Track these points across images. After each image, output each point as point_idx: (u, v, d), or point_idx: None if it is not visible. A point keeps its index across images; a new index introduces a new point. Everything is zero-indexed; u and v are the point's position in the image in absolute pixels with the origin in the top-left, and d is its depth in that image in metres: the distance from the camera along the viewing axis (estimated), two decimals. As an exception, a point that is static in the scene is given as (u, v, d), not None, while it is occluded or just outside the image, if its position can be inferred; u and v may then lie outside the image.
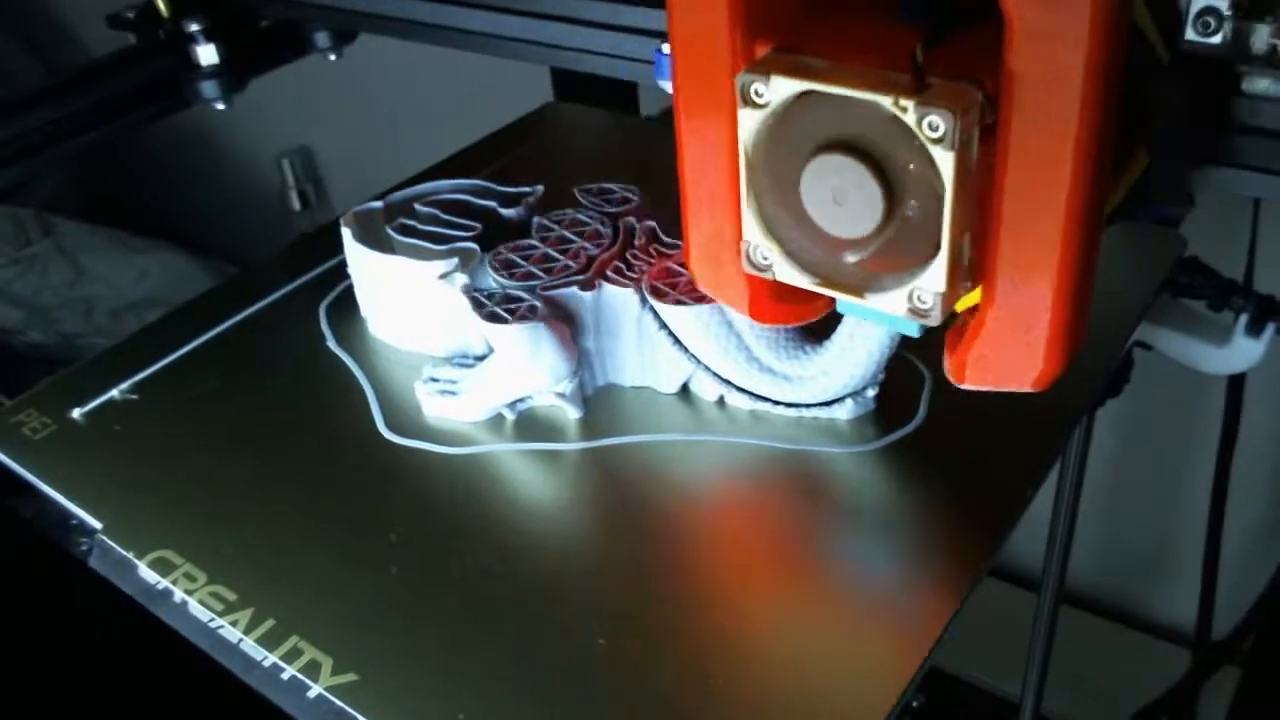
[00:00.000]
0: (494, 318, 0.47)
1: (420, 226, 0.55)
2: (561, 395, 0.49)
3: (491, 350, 0.50)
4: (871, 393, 0.48)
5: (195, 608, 0.42)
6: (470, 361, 0.52)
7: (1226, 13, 0.43)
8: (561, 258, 0.51)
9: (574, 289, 0.49)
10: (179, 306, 0.60)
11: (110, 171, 1.63)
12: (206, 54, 0.74)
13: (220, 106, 0.75)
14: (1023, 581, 0.97)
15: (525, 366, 0.48)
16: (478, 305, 0.48)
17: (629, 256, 0.51)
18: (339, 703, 0.38)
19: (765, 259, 0.36)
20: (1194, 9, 0.43)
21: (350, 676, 0.39)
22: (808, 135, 0.32)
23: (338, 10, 0.70)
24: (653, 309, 0.49)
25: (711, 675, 0.39)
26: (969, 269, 0.33)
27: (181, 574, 0.44)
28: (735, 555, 0.44)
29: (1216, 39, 0.43)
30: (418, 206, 0.57)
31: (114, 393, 0.53)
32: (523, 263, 0.51)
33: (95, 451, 0.50)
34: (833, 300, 0.38)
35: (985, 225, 0.32)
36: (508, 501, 0.47)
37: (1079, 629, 1.00)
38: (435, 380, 0.51)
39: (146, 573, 0.44)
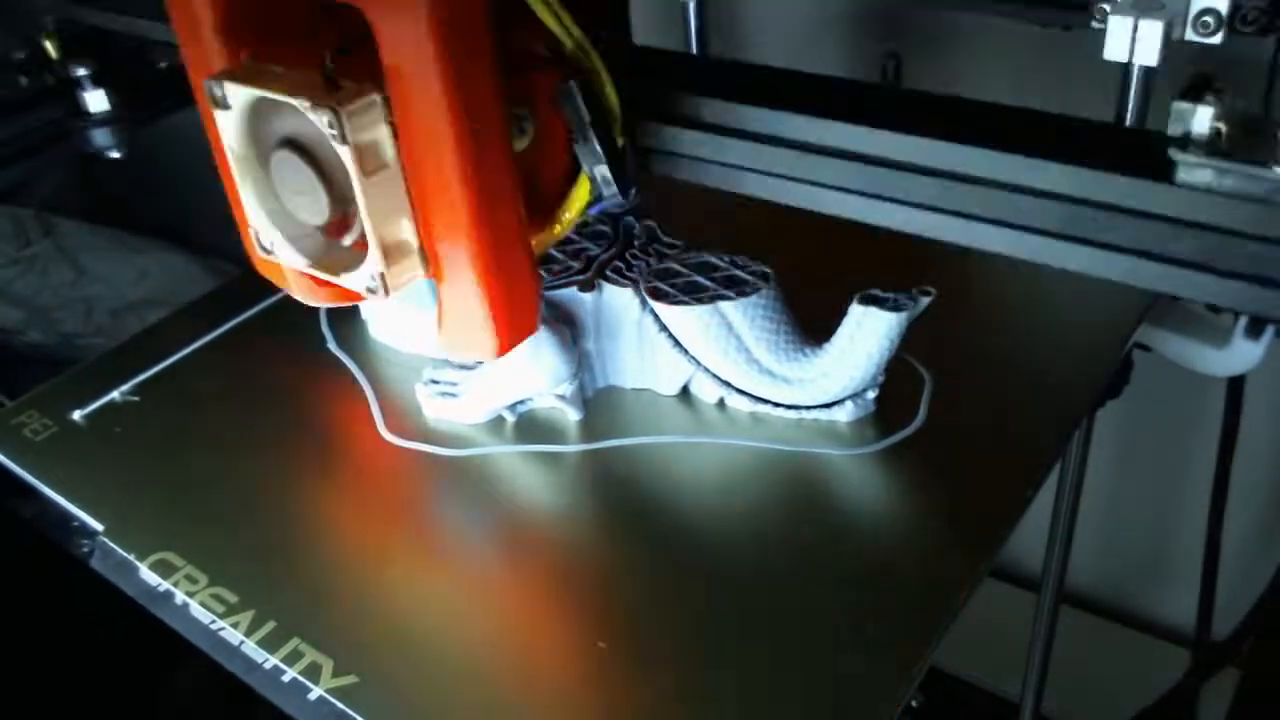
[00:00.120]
0: None
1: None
2: (562, 397, 0.49)
3: (492, 352, 0.50)
4: (871, 395, 0.48)
5: (197, 610, 0.42)
6: (471, 364, 0.52)
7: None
8: (562, 256, 0.51)
9: (574, 290, 0.49)
10: (180, 309, 0.60)
11: (110, 171, 1.63)
12: (95, 100, 0.67)
13: (115, 155, 0.69)
14: (1023, 581, 0.97)
15: (525, 368, 0.48)
16: None
17: (629, 256, 0.51)
18: (340, 704, 0.38)
19: (270, 243, 0.38)
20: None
21: (351, 678, 0.39)
22: (269, 134, 0.35)
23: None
24: (653, 311, 0.49)
25: (711, 676, 0.39)
26: (420, 253, 0.35)
27: (183, 576, 0.44)
28: (735, 557, 0.44)
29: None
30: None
31: (115, 394, 0.53)
32: None
33: (96, 453, 0.50)
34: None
35: (423, 212, 0.35)
36: (508, 503, 0.47)
37: (1079, 629, 1.00)
38: (436, 382, 0.51)
39: (148, 574, 0.44)
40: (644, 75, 0.40)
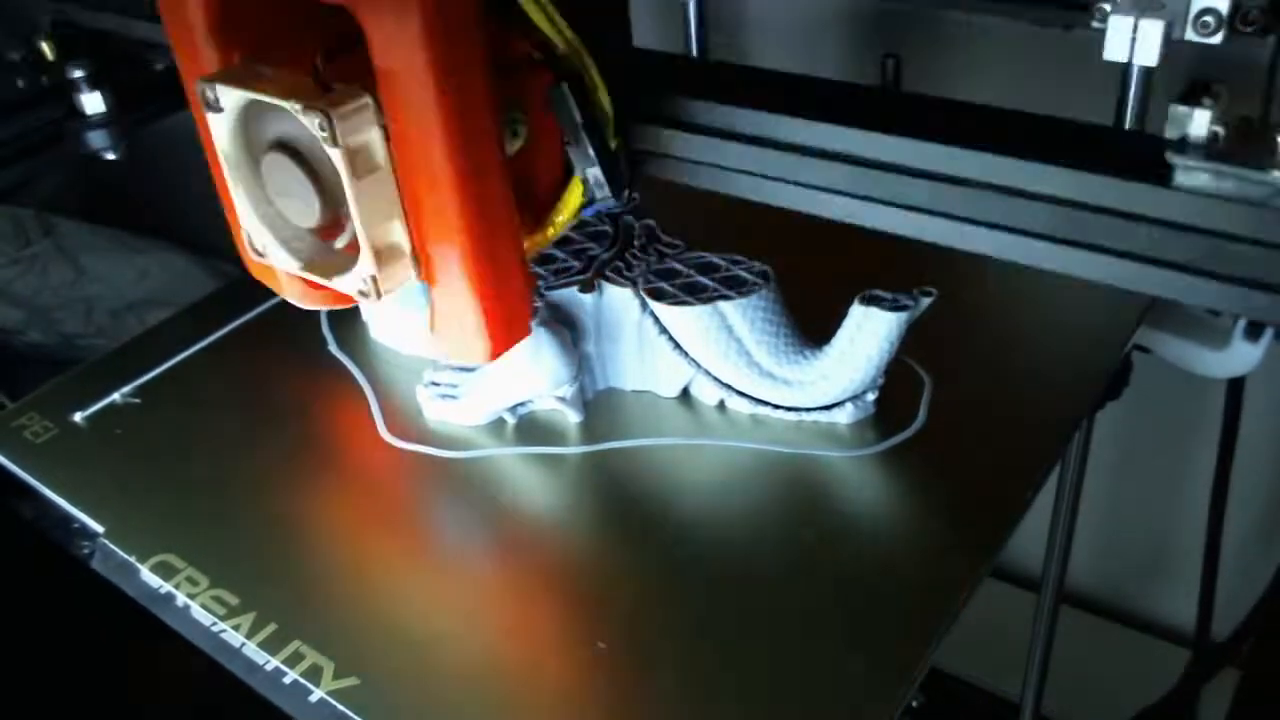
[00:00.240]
0: None
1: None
2: (562, 399, 0.49)
3: (492, 354, 0.50)
4: (871, 397, 0.48)
5: (198, 611, 0.42)
6: (471, 366, 0.52)
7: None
8: (563, 255, 0.51)
9: (575, 293, 0.49)
10: (180, 310, 0.60)
11: (110, 171, 1.63)
12: (92, 102, 0.67)
13: (111, 157, 0.69)
14: (1023, 581, 0.97)
15: (526, 369, 0.48)
16: None
17: (628, 256, 0.51)
18: (340, 706, 0.38)
19: (263, 246, 0.38)
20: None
21: (352, 680, 0.39)
22: (261, 137, 0.35)
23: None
24: (653, 314, 0.49)
25: (712, 677, 0.39)
26: (413, 256, 0.36)
27: (184, 578, 0.44)
28: (736, 558, 0.44)
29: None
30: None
31: (116, 396, 0.53)
32: None
33: (97, 455, 0.50)
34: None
35: (416, 215, 0.35)
36: (508, 505, 0.47)
37: (1079, 629, 1.00)
38: (436, 384, 0.51)
39: (149, 576, 0.44)
40: (637, 77, 0.40)
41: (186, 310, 0.60)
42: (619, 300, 0.49)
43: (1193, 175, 0.32)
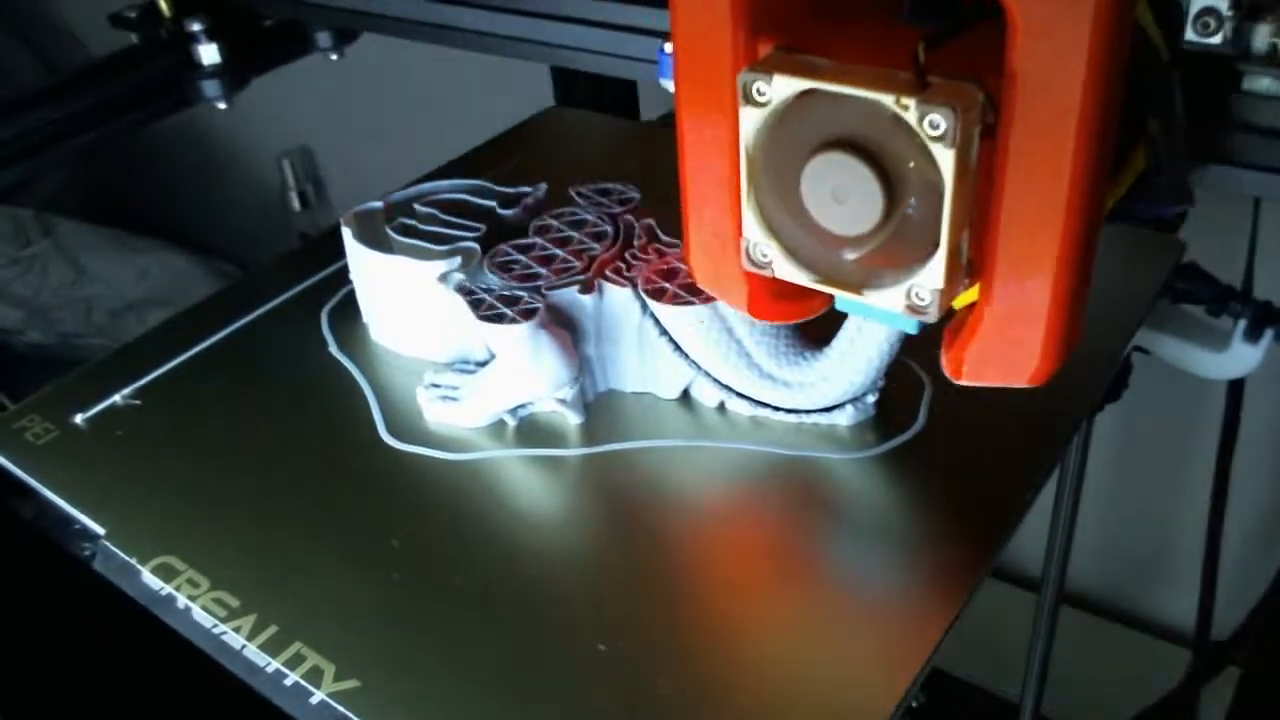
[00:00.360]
0: (493, 318, 0.47)
1: (421, 227, 0.56)
2: (563, 401, 0.49)
3: (493, 356, 0.50)
4: (872, 399, 0.48)
5: (198, 613, 0.42)
6: (472, 368, 0.52)
7: (1227, 13, 0.43)
8: (563, 252, 0.51)
9: (574, 292, 0.49)
10: (180, 311, 0.60)
11: (110, 171, 1.63)
12: (208, 53, 0.74)
13: (222, 106, 0.76)
14: (1023, 581, 0.97)
15: (526, 370, 0.48)
16: (475, 305, 0.48)
17: (629, 256, 0.51)
18: (341, 709, 0.39)
19: (765, 256, 0.36)
20: (1194, 9, 0.43)
21: (352, 683, 0.39)
22: (809, 133, 0.33)
23: (339, 10, 0.70)
24: (653, 315, 0.49)
25: (712, 679, 0.39)
26: (967, 266, 0.33)
27: (184, 580, 0.44)
28: (736, 560, 0.44)
29: (1216, 39, 0.43)
30: (418, 207, 0.57)
31: (116, 398, 0.53)
32: (522, 256, 0.51)
33: (98, 457, 0.50)
34: (831, 298, 0.38)
35: (984, 222, 0.33)
36: (509, 507, 0.47)
37: (1079, 629, 1.00)
38: (437, 386, 0.51)
39: (150, 578, 0.44)
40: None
41: (186, 311, 0.60)
42: (619, 303, 0.49)
43: (1256, 81, 0.39)
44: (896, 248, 0.33)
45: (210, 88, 0.75)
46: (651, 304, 0.48)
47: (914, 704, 0.40)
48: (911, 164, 0.31)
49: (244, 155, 1.55)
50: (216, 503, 0.47)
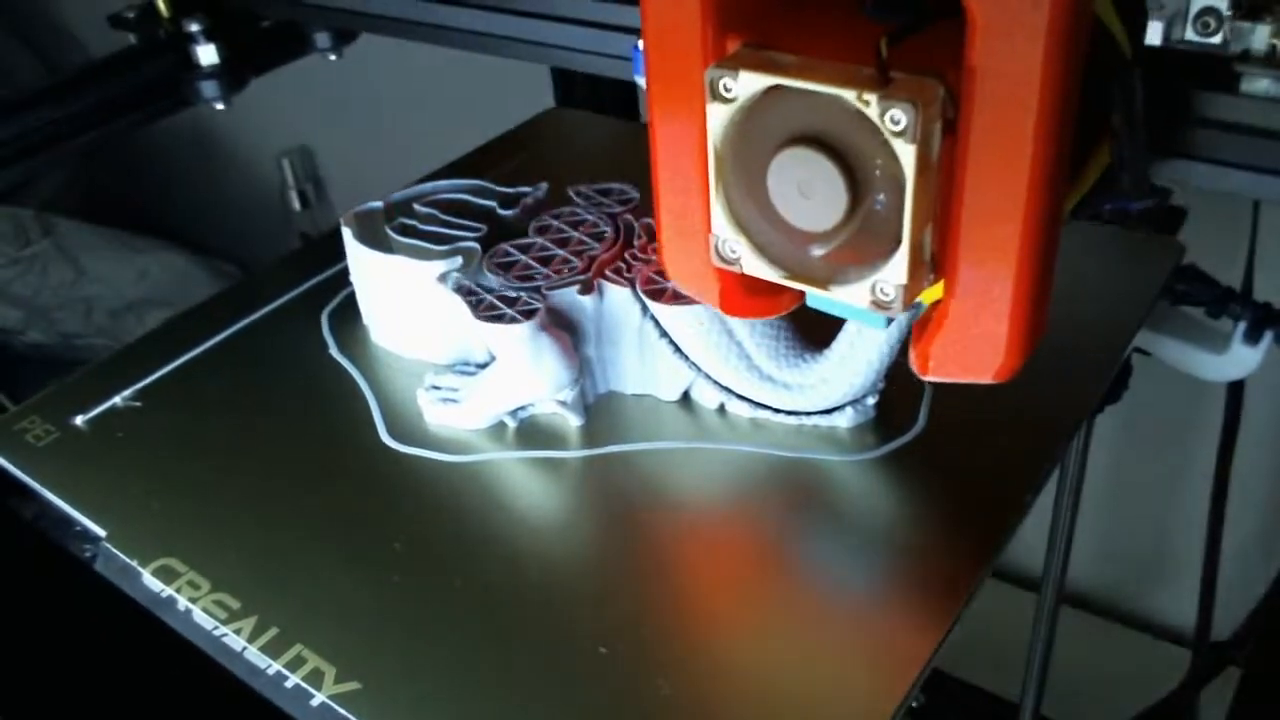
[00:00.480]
0: (493, 318, 0.47)
1: (421, 227, 0.56)
2: (563, 403, 0.49)
3: (493, 358, 0.50)
4: (872, 401, 0.49)
5: (199, 615, 0.42)
6: (472, 370, 0.52)
7: (1226, 13, 0.43)
8: (563, 252, 0.51)
9: (574, 293, 0.49)
10: (181, 313, 0.60)
11: (110, 171, 1.63)
12: (207, 54, 0.74)
13: (220, 106, 0.76)
14: (1023, 581, 0.97)
15: (526, 371, 0.48)
16: (475, 305, 0.48)
17: (629, 256, 0.51)
18: (342, 711, 0.39)
19: (734, 252, 0.36)
20: (1194, 9, 0.43)
21: (353, 685, 0.39)
22: (775, 129, 0.33)
23: (338, 10, 0.70)
24: (653, 317, 0.49)
25: (712, 680, 0.39)
26: (931, 262, 0.34)
27: (185, 582, 0.44)
28: (736, 562, 0.44)
29: (1216, 39, 0.43)
30: (418, 207, 0.57)
31: (117, 400, 0.53)
32: (522, 256, 0.51)
33: (98, 459, 0.50)
34: (802, 294, 0.38)
35: (947, 218, 0.33)
36: (510, 509, 0.47)
37: (1079, 629, 1.00)
38: (437, 388, 0.51)
39: (150, 580, 0.44)
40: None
41: (187, 312, 0.60)
42: (620, 304, 0.49)
43: (1256, 82, 0.38)
44: (862, 243, 0.33)
45: (209, 88, 0.75)
46: (650, 304, 0.48)
47: (914, 704, 0.40)
48: (875, 159, 0.31)
49: (244, 155, 1.55)
50: (217, 504, 0.48)
